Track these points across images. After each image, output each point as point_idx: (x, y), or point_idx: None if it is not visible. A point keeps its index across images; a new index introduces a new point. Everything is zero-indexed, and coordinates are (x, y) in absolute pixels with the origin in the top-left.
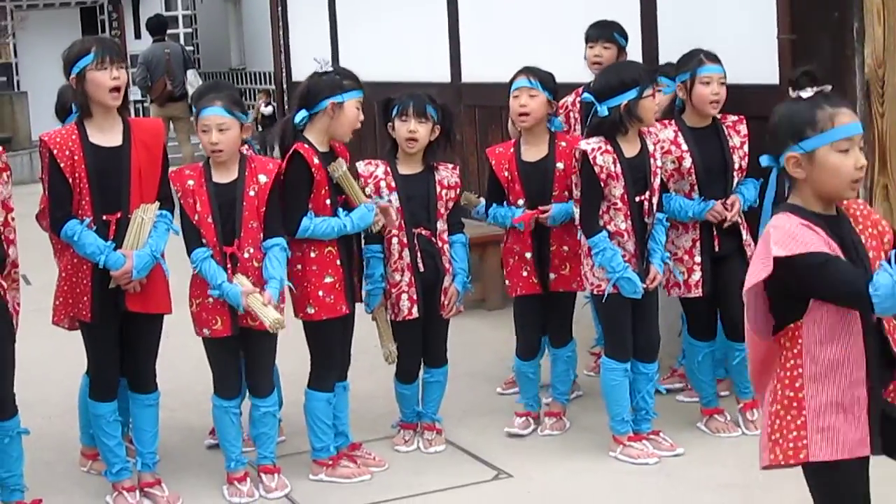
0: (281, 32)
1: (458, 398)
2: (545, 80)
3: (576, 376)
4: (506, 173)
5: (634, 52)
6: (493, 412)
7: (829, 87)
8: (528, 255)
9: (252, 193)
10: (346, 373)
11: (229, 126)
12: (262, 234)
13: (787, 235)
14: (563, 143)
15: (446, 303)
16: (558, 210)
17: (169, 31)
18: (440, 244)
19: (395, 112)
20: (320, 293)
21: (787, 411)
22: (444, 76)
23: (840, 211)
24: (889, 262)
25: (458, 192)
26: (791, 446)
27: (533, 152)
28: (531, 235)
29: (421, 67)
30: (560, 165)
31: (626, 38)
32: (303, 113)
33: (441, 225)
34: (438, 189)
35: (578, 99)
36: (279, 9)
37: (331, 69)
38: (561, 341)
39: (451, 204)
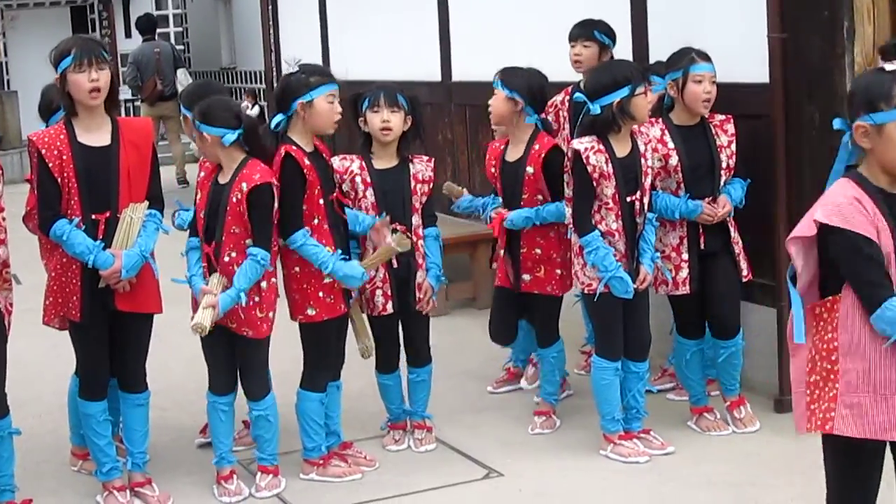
0: (271, 31)
1: (449, 397)
2: (506, 78)
3: (566, 374)
4: (493, 170)
5: (624, 51)
6: (484, 411)
7: None
8: (503, 252)
9: (234, 200)
10: (340, 372)
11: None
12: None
13: (834, 206)
14: (537, 146)
15: (421, 297)
16: (516, 215)
17: (159, 30)
18: (415, 239)
19: (365, 105)
20: (321, 294)
21: (825, 382)
22: (434, 75)
23: None
24: None
25: (431, 186)
26: (821, 416)
27: (513, 152)
28: (507, 234)
29: (411, 66)
30: (530, 170)
31: (609, 36)
32: (279, 117)
33: (416, 220)
34: (413, 183)
35: (567, 98)
36: (269, 8)
37: (297, 68)
38: (546, 342)
39: (425, 198)
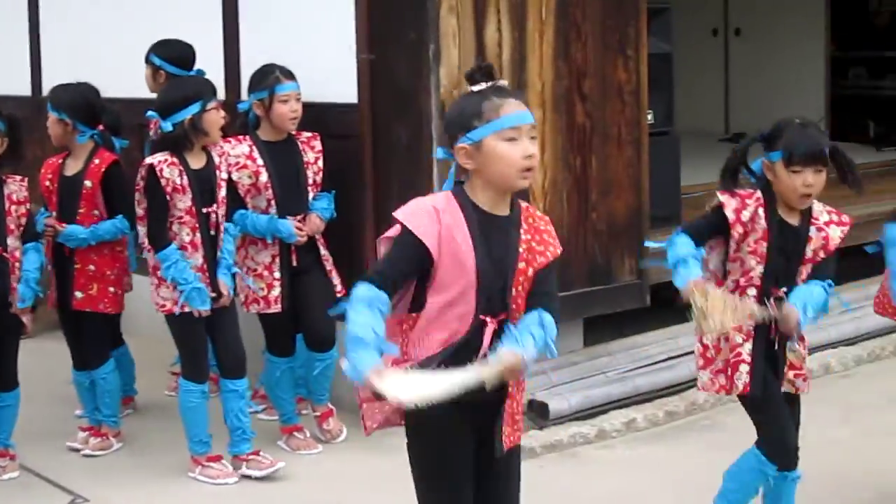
0: None
1: (36, 421)
2: (53, 99)
3: (135, 392)
4: (47, 184)
5: (216, 68)
6: (72, 435)
7: (504, 82)
8: (50, 268)
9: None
10: None
11: None
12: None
13: (412, 205)
14: (97, 161)
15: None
16: (71, 231)
17: None
18: (11, 261)
19: None
20: None
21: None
22: (24, 89)
23: (516, 211)
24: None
25: (27, 207)
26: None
27: (72, 166)
28: (67, 252)
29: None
30: (88, 184)
31: (165, 58)
32: None
33: (12, 242)
34: (7, 204)
35: None
36: None
37: None
38: (98, 362)
39: (23, 220)
